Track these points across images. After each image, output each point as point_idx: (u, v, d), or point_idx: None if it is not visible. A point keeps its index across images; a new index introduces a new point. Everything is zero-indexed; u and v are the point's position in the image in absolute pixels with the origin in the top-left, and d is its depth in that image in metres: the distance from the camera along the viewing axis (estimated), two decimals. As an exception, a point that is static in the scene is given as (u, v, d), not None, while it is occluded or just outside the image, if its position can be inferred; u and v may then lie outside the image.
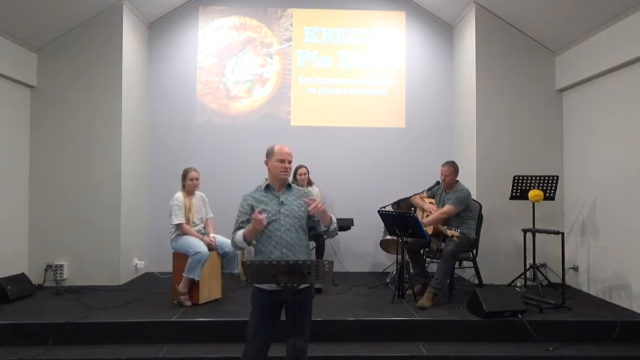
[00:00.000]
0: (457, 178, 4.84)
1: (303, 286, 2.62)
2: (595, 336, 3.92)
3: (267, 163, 2.89)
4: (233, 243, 2.84)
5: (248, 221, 2.76)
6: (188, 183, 4.64)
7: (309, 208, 2.70)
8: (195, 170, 4.68)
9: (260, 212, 2.66)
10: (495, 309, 3.97)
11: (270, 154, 2.87)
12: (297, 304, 2.65)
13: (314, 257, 5.56)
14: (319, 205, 2.66)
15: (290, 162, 2.85)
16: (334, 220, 2.83)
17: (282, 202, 2.80)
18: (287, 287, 2.47)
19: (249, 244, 2.81)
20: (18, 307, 4.40)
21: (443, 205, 4.72)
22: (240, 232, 2.78)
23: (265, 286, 2.69)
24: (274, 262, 2.42)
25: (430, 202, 4.92)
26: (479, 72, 5.60)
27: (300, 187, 2.97)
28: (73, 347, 3.73)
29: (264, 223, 2.66)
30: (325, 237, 2.93)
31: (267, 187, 2.87)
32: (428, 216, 4.75)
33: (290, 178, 2.87)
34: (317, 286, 4.75)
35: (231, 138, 6.30)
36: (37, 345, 3.73)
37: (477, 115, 5.59)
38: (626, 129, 4.51)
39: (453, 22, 6.34)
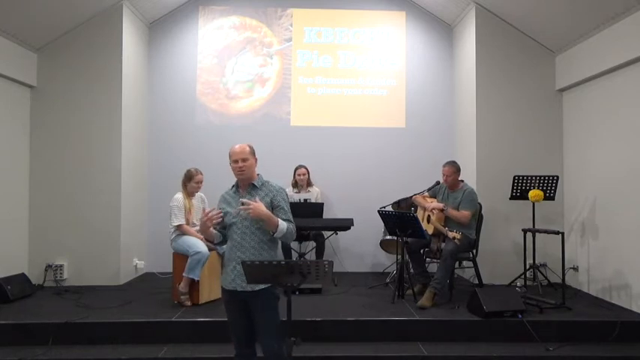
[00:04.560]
0: (460, 178, 4.84)
1: (259, 287, 2.63)
2: (595, 336, 3.92)
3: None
4: None
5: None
6: (193, 185, 4.64)
7: (235, 212, 2.70)
8: (201, 174, 4.68)
9: (211, 213, 2.68)
10: (495, 309, 3.97)
11: (229, 156, 2.82)
12: (257, 307, 2.68)
13: (314, 257, 5.58)
14: (249, 210, 2.59)
15: (244, 160, 2.75)
16: (282, 228, 2.69)
17: (243, 204, 2.71)
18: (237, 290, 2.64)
19: (214, 243, 2.85)
20: (18, 307, 4.39)
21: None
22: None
23: (226, 286, 2.74)
24: (274, 262, 2.43)
25: (432, 202, 4.91)
26: (479, 72, 5.60)
27: (273, 186, 2.84)
28: (73, 347, 3.74)
29: (214, 222, 2.69)
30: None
31: (237, 188, 2.86)
32: (429, 216, 4.75)
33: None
34: (317, 286, 4.77)
35: (231, 138, 6.18)
36: (37, 345, 3.72)
37: (477, 115, 5.59)
38: (626, 129, 4.51)
39: (453, 22, 6.34)
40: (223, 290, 2.78)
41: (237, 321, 2.75)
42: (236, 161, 2.77)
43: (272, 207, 2.76)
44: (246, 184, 2.82)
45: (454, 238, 4.34)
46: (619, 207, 4.58)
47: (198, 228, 4.61)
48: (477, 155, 5.58)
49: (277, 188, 2.84)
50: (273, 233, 2.70)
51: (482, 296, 4.03)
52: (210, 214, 2.67)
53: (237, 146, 2.81)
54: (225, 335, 3.82)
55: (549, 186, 4.99)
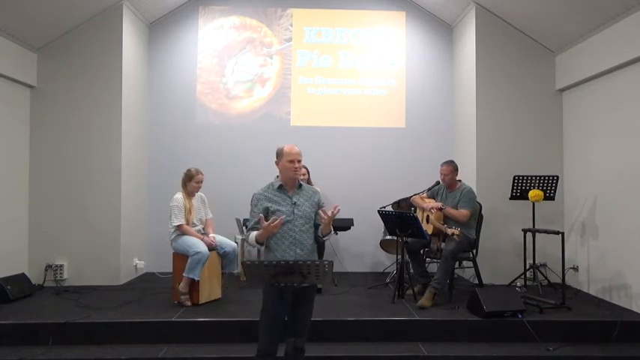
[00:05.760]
0: (458, 178, 4.85)
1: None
2: (595, 336, 3.92)
3: (277, 163, 2.94)
4: (247, 241, 2.93)
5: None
6: (193, 185, 4.62)
7: (324, 221, 2.81)
8: (201, 174, 4.67)
9: (274, 220, 2.72)
10: (495, 309, 3.97)
11: (279, 154, 2.92)
12: (306, 300, 2.79)
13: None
14: (331, 216, 2.79)
15: (300, 161, 2.90)
16: (332, 232, 2.97)
17: (295, 203, 2.87)
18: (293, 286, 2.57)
19: (261, 245, 2.87)
20: (18, 307, 4.39)
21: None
22: (254, 234, 2.83)
23: None
24: (274, 262, 2.43)
25: (430, 202, 4.92)
26: (479, 72, 5.60)
27: (310, 187, 3.03)
28: (73, 347, 3.73)
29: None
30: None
31: (280, 187, 2.91)
32: (429, 216, 4.75)
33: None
34: (317, 286, 4.76)
35: (231, 138, 6.30)
36: (37, 345, 3.72)
37: (477, 115, 5.59)
38: (626, 129, 4.51)
39: (453, 22, 6.34)
40: (276, 289, 2.71)
41: (281, 318, 2.79)
42: (292, 161, 2.87)
43: (318, 207, 2.95)
44: (293, 184, 2.92)
45: (453, 234, 4.34)
46: (619, 207, 4.58)
47: (198, 228, 4.64)
48: (476, 155, 5.58)
49: (315, 189, 3.04)
50: (324, 236, 2.90)
51: (483, 296, 4.03)
52: (276, 222, 2.70)
53: (295, 147, 2.92)
54: (224, 335, 3.86)
55: (549, 186, 4.99)
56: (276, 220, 2.71)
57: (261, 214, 2.80)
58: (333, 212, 2.80)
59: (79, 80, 5.41)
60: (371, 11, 6.46)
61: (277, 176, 2.98)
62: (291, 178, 2.90)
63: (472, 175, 5.57)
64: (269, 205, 2.86)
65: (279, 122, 6.34)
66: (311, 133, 6.29)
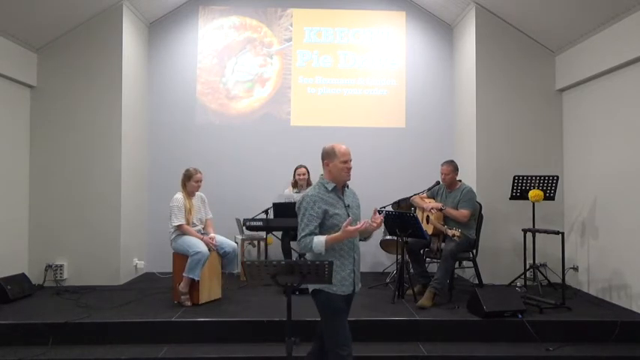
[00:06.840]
0: (458, 178, 4.85)
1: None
2: (595, 336, 3.92)
3: (327, 164, 2.80)
4: (307, 248, 2.69)
5: (321, 226, 2.71)
6: (192, 184, 4.63)
7: (373, 227, 2.78)
8: (200, 172, 4.67)
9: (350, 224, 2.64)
10: (495, 309, 3.97)
11: (331, 155, 2.78)
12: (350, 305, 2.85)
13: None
14: (380, 223, 2.79)
15: (351, 161, 2.82)
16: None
17: (348, 205, 2.81)
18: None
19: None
20: (18, 307, 4.39)
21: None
22: (321, 240, 2.64)
23: (338, 291, 2.72)
24: (274, 262, 2.43)
25: (430, 202, 4.92)
26: (479, 72, 5.60)
27: (350, 189, 2.93)
28: (73, 347, 3.74)
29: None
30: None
31: (334, 189, 2.79)
32: (429, 217, 4.75)
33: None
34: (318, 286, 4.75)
35: (231, 138, 6.30)
36: (37, 345, 3.72)
37: (477, 115, 5.59)
38: (626, 129, 4.51)
39: (453, 22, 6.34)
40: (339, 297, 2.72)
41: (346, 322, 2.77)
42: (346, 162, 2.77)
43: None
44: (342, 185, 2.85)
45: (453, 235, 4.34)
46: (619, 207, 4.58)
47: (198, 228, 4.64)
48: (476, 155, 5.58)
49: (353, 190, 2.98)
50: (366, 238, 2.91)
51: (483, 296, 4.03)
52: (363, 226, 2.65)
53: (343, 146, 2.81)
54: (224, 335, 3.86)
55: (549, 186, 4.99)
56: (362, 223, 2.64)
57: (350, 217, 2.68)
58: (381, 219, 2.78)
59: (79, 80, 5.42)
60: (371, 11, 6.46)
61: (322, 175, 2.84)
62: (343, 179, 2.78)
63: (472, 175, 5.57)
64: (327, 207, 2.71)
65: (279, 122, 6.34)
66: (311, 133, 6.29)
